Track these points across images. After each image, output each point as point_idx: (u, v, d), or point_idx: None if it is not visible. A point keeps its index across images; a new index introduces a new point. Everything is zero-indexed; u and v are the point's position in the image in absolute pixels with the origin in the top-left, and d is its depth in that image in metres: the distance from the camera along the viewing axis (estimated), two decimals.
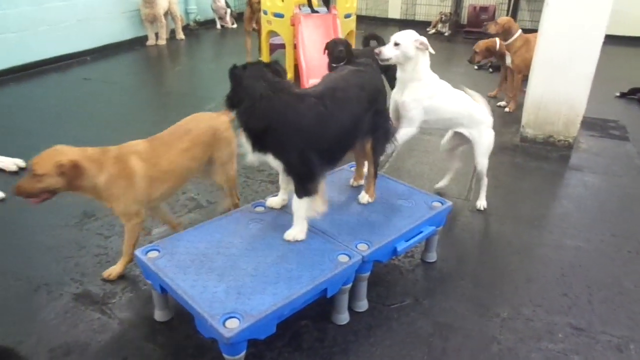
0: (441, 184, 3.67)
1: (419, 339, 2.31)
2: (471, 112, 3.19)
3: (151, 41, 8.18)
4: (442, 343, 2.30)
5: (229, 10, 9.68)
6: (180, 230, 2.57)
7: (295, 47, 5.89)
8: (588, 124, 4.94)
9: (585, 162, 4.29)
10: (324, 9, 6.24)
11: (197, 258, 2.21)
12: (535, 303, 2.58)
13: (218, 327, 1.83)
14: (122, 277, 2.65)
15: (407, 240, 2.50)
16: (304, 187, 2.28)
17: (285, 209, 2.61)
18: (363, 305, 2.46)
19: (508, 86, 5.57)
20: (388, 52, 2.99)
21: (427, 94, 3.06)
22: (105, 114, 5.15)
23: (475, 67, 6.91)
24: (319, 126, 2.23)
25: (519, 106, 5.13)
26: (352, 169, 2.97)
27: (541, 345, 2.30)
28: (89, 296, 2.53)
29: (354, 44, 6.37)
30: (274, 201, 2.64)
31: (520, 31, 5.12)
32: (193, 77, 7.02)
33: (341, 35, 5.89)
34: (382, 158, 2.88)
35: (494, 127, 3.32)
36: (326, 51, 4.80)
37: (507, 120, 5.11)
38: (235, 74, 2.17)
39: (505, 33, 5.12)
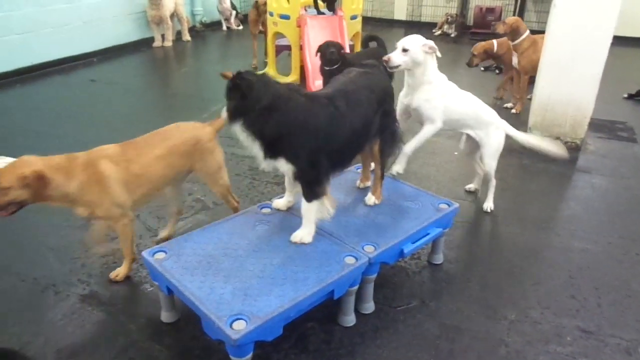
0: (471, 186, 3.68)
1: (426, 341, 2.30)
2: (478, 114, 3.18)
3: (157, 43, 8.22)
4: (449, 345, 2.29)
5: (234, 12, 9.71)
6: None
7: (301, 48, 5.89)
8: (595, 125, 4.91)
9: (592, 164, 4.26)
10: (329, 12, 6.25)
11: (204, 259, 2.21)
12: (543, 305, 2.56)
13: (225, 328, 1.83)
14: (128, 278, 2.66)
15: (413, 242, 2.50)
16: (313, 190, 2.27)
17: (292, 210, 2.61)
18: (369, 307, 2.46)
19: (514, 87, 5.54)
20: (397, 58, 2.95)
21: (439, 94, 3.06)
22: (111, 116, 5.17)
23: (482, 68, 6.89)
24: (330, 127, 2.22)
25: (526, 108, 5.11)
26: (359, 170, 2.96)
27: (549, 348, 2.29)
28: (96, 297, 2.53)
29: (359, 45, 6.36)
30: (280, 203, 2.64)
31: (528, 32, 5.09)
32: (199, 78, 7.04)
33: (347, 36, 5.89)
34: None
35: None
36: (318, 54, 4.79)
37: (513, 122, 4.98)
38: (248, 80, 2.07)
39: (514, 33, 5.09)
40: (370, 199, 2.71)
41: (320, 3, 6.08)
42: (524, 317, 2.47)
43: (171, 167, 2.58)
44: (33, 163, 2.23)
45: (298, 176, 2.25)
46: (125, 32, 7.86)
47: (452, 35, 9.53)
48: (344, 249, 2.30)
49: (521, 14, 9.23)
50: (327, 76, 4.70)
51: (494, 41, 5.46)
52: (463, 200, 3.54)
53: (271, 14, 6.11)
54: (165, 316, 2.37)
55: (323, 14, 6.13)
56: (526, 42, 5.07)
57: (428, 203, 2.74)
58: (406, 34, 3.03)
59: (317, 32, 5.83)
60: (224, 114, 2.18)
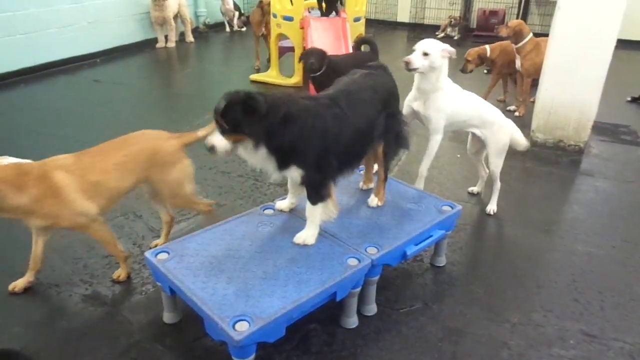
0: (474, 188, 3.69)
1: (428, 344, 2.29)
2: (481, 113, 3.19)
3: (161, 44, 8.24)
4: (452, 348, 2.28)
5: (237, 13, 9.72)
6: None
7: (304, 50, 5.89)
8: (599, 128, 4.90)
9: (596, 167, 4.25)
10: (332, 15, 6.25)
11: (207, 260, 2.21)
12: (546, 309, 2.55)
13: (228, 329, 1.82)
14: (130, 277, 2.66)
15: (416, 244, 2.49)
16: (319, 193, 2.27)
17: (294, 212, 2.61)
18: (372, 309, 2.45)
19: (517, 90, 5.54)
20: (417, 61, 2.91)
21: (448, 100, 3.07)
22: (115, 116, 5.18)
23: (485, 71, 6.88)
24: (336, 127, 2.21)
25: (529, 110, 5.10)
26: (362, 172, 2.96)
27: (552, 352, 2.28)
28: (99, 297, 2.53)
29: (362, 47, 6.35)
30: (282, 204, 2.64)
31: (531, 34, 5.08)
32: (202, 79, 7.05)
33: (350, 38, 5.89)
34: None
35: None
36: (301, 61, 4.76)
37: (517, 125, 5.06)
38: (258, 99, 1.97)
39: (517, 36, 5.08)
40: (373, 200, 2.71)
41: (324, 5, 6.08)
42: (527, 320, 2.46)
43: (130, 174, 2.48)
44: None
45: (306, 180, 2.24)
46: (128, 33, 7.88)
47: (455, 38, 9.52)
48: (346, 251, 2.29)
49: (524, 17, 9.23)
50: (315, 81, 4.72)
51: (487, 46, 5.46)
52: (466, 202, 3.53)
53: (275, 16, 6.11)
54: (168, 317, 2.36)
55: (326, 15, 6.13)
56: (529, 44, 5.06)
57: (431, 205, 2.74)
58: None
59: (320, 34, 5.83)
60: (202, 132, 2.18)
